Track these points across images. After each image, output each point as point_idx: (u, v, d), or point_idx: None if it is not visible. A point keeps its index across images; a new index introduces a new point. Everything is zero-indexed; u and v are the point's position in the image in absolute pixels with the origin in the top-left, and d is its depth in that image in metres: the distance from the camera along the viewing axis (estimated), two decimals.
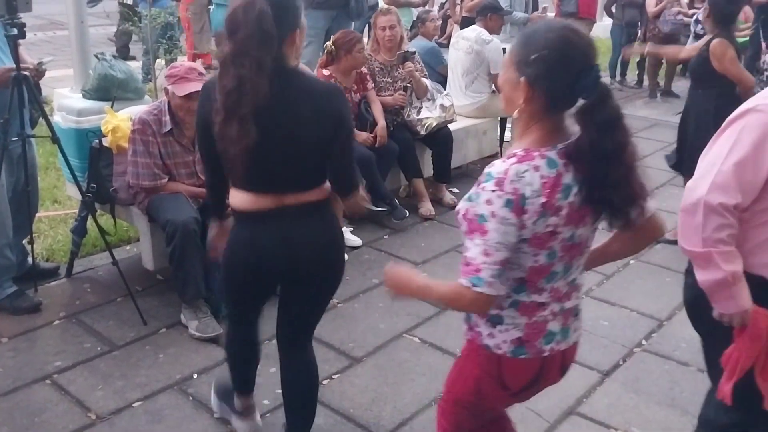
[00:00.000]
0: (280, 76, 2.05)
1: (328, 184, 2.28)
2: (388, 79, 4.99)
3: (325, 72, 4.57)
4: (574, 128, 1.68)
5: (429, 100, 5.03)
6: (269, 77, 2.00)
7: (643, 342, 3.51)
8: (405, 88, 5.02)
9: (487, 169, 1.64)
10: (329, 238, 2.32)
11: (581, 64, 1.60)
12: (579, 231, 1.71)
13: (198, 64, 3.64)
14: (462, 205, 1.68)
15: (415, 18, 7.32)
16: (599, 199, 1.65)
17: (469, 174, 5.87)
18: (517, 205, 1.59)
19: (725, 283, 1.88)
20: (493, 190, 1.59)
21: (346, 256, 2.51)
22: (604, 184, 1.63)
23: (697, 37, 8.54)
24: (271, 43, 2.00)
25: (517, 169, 1.60)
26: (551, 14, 8.55)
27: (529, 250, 1.67)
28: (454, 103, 5.28)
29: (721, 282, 1.89)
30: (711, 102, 4.33)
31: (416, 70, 4.97)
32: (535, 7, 7.89)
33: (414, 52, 5.01)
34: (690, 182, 1.95)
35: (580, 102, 1.63)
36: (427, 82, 5.03)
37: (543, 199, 1.60)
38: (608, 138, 1.61)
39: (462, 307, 1.74)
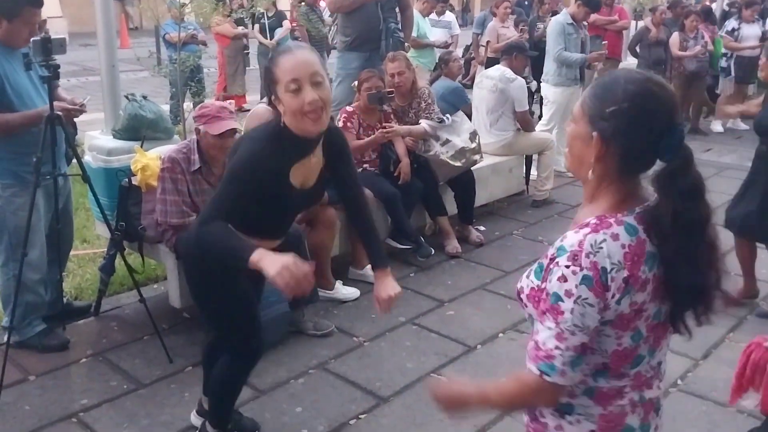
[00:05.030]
0: None
1: None
2: (401, 123, 4.97)
3: (349, 108, 4.64)
4: (649, 192, 1.50)
5: (445, 143, 5.00)
6: None
7: (679, 382, 3.41)
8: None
9: (558, 243, 1.44)
10: None
11: (665, 122, 1.40)
12: (666, 306, 1.48)
13: (228, 104, 3.69)
14: (524, 283, 1.50)
15: (437, 59, 7.36)
16: (674, 280, 1.44)
17: (495, 212, 5.85)
18: (597, 282, 1.38)
19: None
20: (568, 266, 1.39)
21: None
22: (684, 261, 1.42)
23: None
24: None
25: (593, 240, 1.39)
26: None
27: (612, 332, 1.45)
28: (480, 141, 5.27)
29: None
30: None
31: (421, 110, 4.94)
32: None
33: (392, 93, 4.72)
34: None
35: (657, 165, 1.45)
36: (424, 124, 4.90)
37: (626, 273, 1.39)
38: (693, 208, 1.40)
39: (529, 400, 1.50)
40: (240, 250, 2.07)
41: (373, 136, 4.60)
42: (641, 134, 1.41)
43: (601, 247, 1.38)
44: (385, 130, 4.61)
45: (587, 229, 1.41)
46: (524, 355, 1.48)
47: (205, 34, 8.77)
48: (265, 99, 2.45)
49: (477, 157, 5.20)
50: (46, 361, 3.48)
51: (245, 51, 9.98)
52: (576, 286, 1.38)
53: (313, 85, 2.11)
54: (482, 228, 5.36)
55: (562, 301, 1.39)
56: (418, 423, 3.06)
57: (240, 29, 9.63)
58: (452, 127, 5.15)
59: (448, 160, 4.97)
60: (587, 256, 1.38)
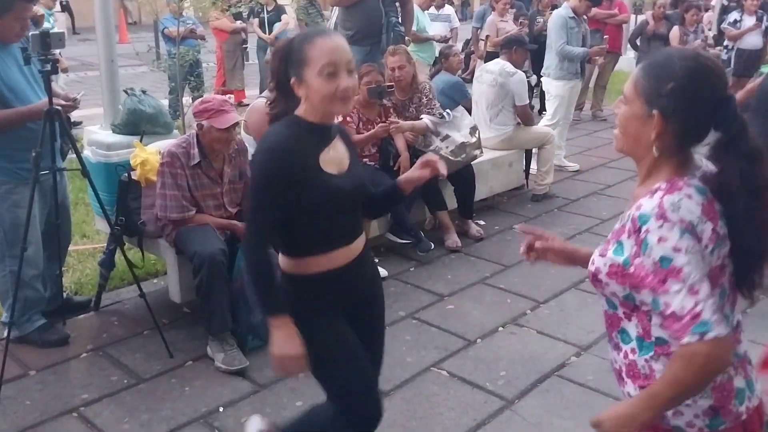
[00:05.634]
0: None
1: None
2: (401, 118, 4.96)
3: None
4: (699, 162, 1.55)
5: (445, 138, 4.98)
6: None
7: None
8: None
9: (636, 212, 1.45)
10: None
11: (720, 94, 1.47)
12: None
13: (227, 98, 3.68)
14: (600, 263, 1.52)
15: (437, 53, 7.35)
16: (739, 242, 1.48)
17: (495, 206, 5.84)
18: (693, 231, 1.41)
19: None
20: (660, 226, 1.41)
21: None
22: (749, 224, 1.45)
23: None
24: None
25: (670, 200, 1.43)
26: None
27: None
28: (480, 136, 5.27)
29: None
30: None
31: (422, 105, 4.94)
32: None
33: (391, 87, 4.72)
34: None
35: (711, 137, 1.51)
36: (426, 120, 4.89)
37: (711, 225, 1.44)
38: (760, 169, 1.45)
39: (703, 371, 1.40)
40: (268, 301, 2.07)
41: (373, 130, 4.59)
42: (701, 108, 1.46)
43: (680, 206, 1.42)
44: (391, 126, 4.60)
45: (660, 192, 1.45)
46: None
47: (204, 28, 8.75)
48: (266, 93, 2.29)
49: (477, 151, 5.19)
50: (46, 356, 3.49)
51: (243, 46, 9.95)
52: (679, 239, 1.40)
53: (348, 72, 1.99)
54: (482, 222, 5.36)
55: (673, 259, 1.39)
56: (419, 417, 3.07)
57: (238, 23, 9.61)
58: (452, 122, 5.14)
59: (448, 156, 4.96)
60: (672, 212, 1.41)
